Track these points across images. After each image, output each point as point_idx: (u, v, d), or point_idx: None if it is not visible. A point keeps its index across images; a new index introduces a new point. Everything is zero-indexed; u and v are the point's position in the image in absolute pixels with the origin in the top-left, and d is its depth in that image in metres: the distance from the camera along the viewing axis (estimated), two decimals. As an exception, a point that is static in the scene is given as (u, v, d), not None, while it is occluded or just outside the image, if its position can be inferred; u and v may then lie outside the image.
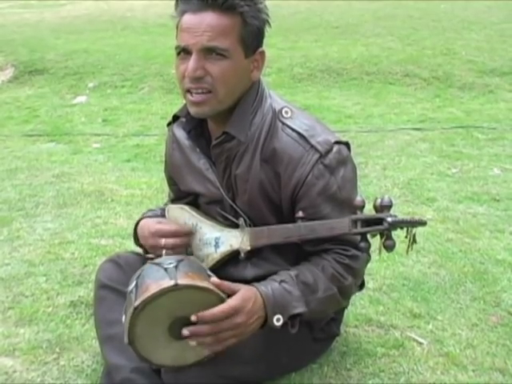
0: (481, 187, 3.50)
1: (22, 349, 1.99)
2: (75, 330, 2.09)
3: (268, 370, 1.74)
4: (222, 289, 1.49)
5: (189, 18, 1.54)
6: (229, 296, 1.49)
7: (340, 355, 1.94)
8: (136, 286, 1.50)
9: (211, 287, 1.47)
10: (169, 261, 1.51)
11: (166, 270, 1.48)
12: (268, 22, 1.61)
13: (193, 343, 1.46)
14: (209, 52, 1.52)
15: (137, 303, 1.43)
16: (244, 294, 1.50)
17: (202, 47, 1.52)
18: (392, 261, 2.55)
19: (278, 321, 1.53)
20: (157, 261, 1.55)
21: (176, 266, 1.48)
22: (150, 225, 1.80)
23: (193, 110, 1.60)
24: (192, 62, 1.52)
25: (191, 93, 1.56)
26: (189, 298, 1.46)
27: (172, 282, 1.43)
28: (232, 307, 1.46)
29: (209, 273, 1.56)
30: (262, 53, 1.62)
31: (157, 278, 1.46)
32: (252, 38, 1.57)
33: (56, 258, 2.65)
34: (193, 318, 1.43)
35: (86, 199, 3.36)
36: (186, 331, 1.44)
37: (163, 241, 1.72)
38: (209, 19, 1.52)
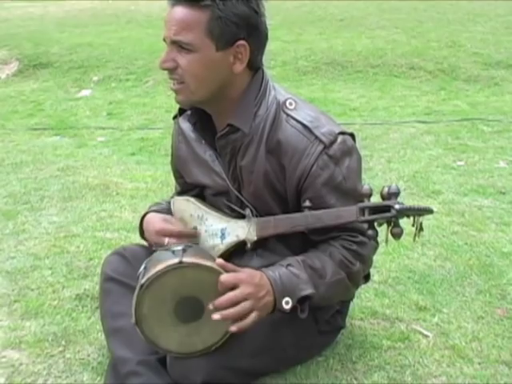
0: (486, 180, 3.49)
1: (28, 342, 1.99)
2: (81, 323, 2.09)
3: (273, 361, 1.74)
4: (228, 269, 1.52)
5: (168, 11, 1.58)
6: None
7: (345, 348, 1.93)
8: (145, 268, 1.56)
9: (215, 267, 1.51)
10: (177, 246, 1.58)
11: (173, 252, 1.55)
12: (255, 10, 1.54)
13: (217, 317, 1.47)
14: (178, 45, 1.55)
15: (143, 281, 1.49)
16: (250, 271, 1.55)
17: (171, 40, 1.56)
18: (397, 254, 2.55)
19: (286, 303, 1.55)
20: (166, 247, 1.64)
21: (184, 250, 1.55)
22: (155, 222, 1.80)
23: (174, 98, 1.65)
24: (163, 54, 1.58)
25: (172, 81, 1.61)
26: (194, 277, 1.51)
27: (177, 260, 1.49)
28: (237, 278, 1.50)
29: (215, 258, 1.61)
30: (243, 45, 1.57)
31: (163, 259, 1.53)
32: (222, 32, 1.53)
33: (61, 251, 2.66)
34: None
35: (91, 193, 3.36)
36: (210, 306, 1.48)
37: (166, 240, 1.73)
38: (177, 13, 1.55)
